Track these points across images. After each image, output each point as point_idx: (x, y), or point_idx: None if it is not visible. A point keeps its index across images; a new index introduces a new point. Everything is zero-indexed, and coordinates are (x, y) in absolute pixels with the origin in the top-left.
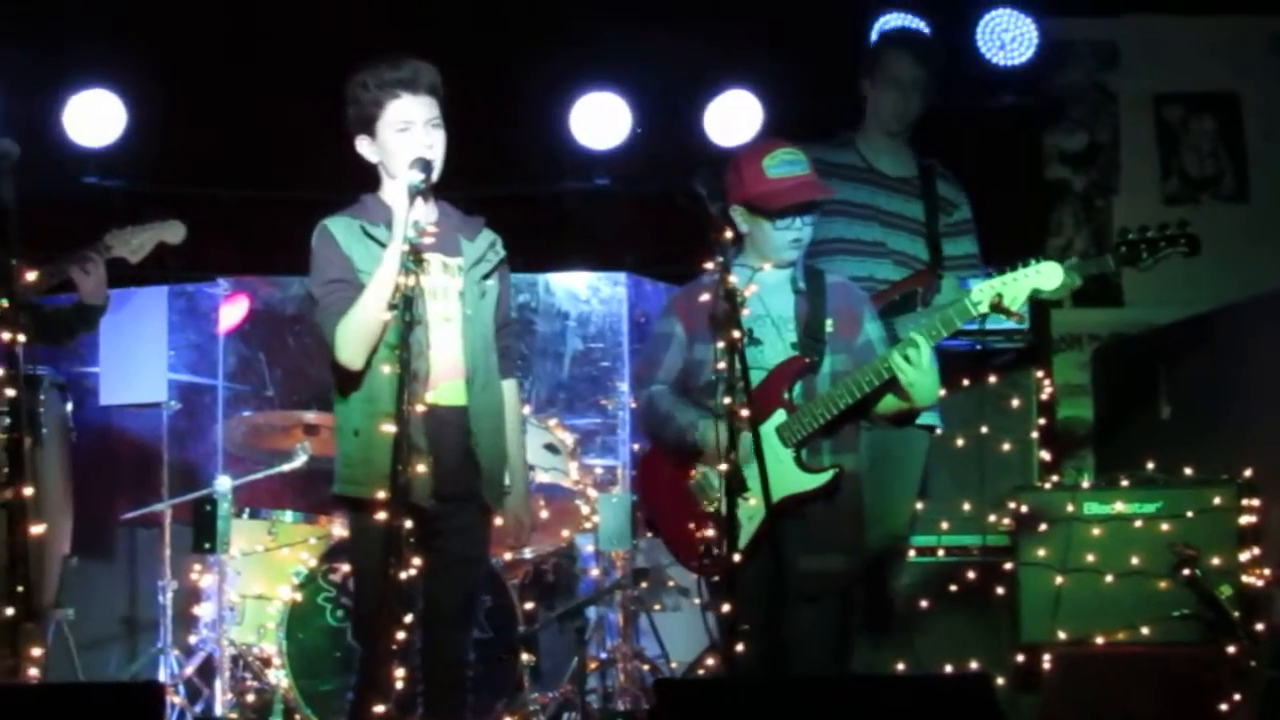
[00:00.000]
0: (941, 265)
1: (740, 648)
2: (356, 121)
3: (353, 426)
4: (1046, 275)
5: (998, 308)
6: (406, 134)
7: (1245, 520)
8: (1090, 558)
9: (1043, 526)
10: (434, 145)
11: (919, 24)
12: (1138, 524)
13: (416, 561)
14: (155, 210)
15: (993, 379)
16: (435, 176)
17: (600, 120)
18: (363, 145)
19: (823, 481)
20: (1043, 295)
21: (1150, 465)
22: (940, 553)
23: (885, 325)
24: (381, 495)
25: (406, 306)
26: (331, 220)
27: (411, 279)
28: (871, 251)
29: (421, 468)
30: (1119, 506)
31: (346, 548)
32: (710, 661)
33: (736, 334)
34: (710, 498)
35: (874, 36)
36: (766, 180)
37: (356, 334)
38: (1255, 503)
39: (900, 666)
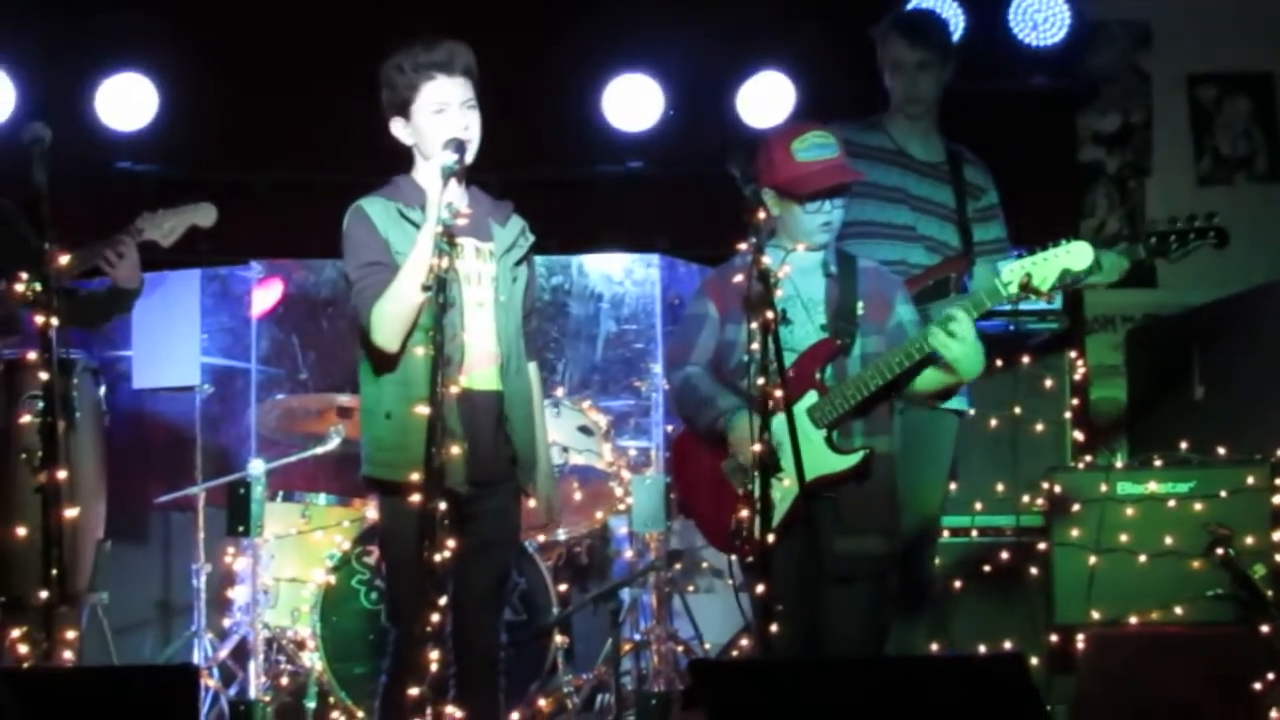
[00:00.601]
0: (972, 251)
1: (774, 629)
2: (391, 104)
3: (384, 410)
4: (1076, 255)
5: (1027, 288)
6: (442, 116)
7: (1279, 500)
8: (1124, 538)
9: (1076, 507)
10: (469, 127)
11: (950, 3)
12: (1171, 504)
13: (451, 544)
14: (188, 194)
15: (1026, 360)
16: (470, 158)
17: (633, 102)
18: (397, 128)
19: (853, 463)
20: (1080, 283)
21: (1184, 446)
22: (974, 534)
23: (919, 311)
24: (415, 478)
25: (440, 289)
26: (367, 201)
27: (445, 261)
28: (902, 236)
29: (455, 450)
30: (1152, 487)
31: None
32: (744, 643)
33: (770, 315)
34: (745, 480)
35: None
36: (795, 164)
37: (392, 317)
38: None
39: (934, 648)
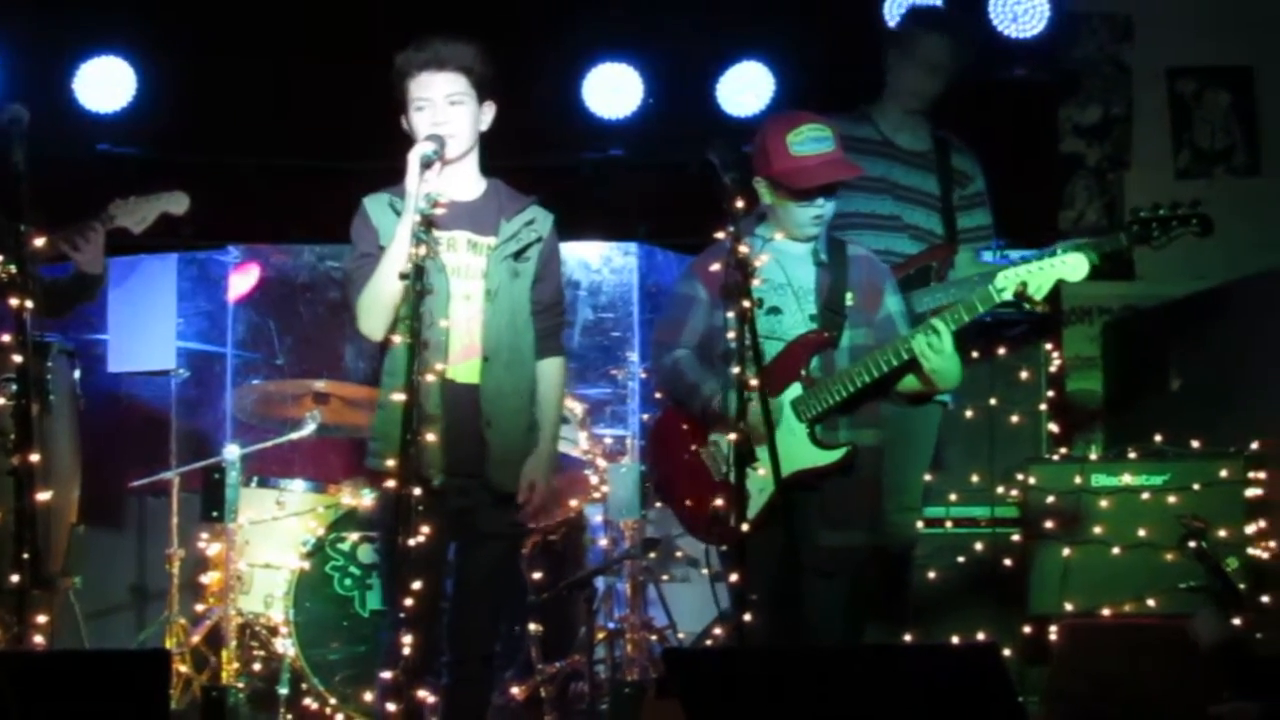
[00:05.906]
0: (957, 239)
1: (749, 618)
2: (398, 102)
3: (380, 400)
4: (1073, 266)
5: (1022, 296)
6: (423, 112)
7: (1252, 493)
8: (1098, 530)
9: (1051, 499)
10: (448, 123)
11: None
12: (1145, 496)
13: (425, 530)
14: (168, 177)
15: (1002, 351)
16: (454, 152)
17: (613, 90)
18: (404, 123)
19: (835, 459)
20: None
21: (1159, 438)
22: (949, 524)
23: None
24: (390, 464)
25: (417, 276)
26: (370, 197)
27: (423, 249)
28: (888, 226)
29: (431, 437)
30: (1127, 479)
31: (357, 517)
32: (718, 632)
33: (747, 304)
34: (722, 467)
35: (902, 12)
36: (791, 158)
37: (371, 305)
38: (1262, 475)
39: (908, 638)
